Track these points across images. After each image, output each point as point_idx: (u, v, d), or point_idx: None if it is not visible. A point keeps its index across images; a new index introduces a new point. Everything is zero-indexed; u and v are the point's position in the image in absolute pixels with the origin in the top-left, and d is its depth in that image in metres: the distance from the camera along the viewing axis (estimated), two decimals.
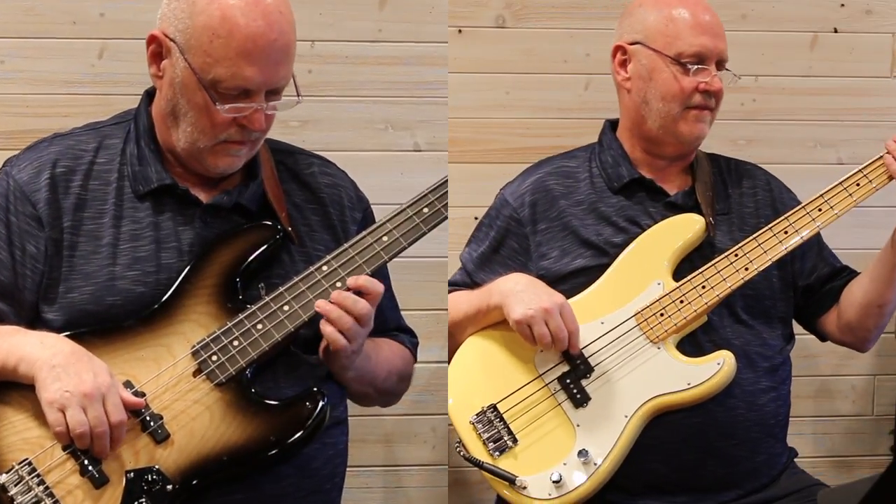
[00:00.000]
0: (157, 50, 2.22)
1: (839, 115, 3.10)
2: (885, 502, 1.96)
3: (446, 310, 2.59)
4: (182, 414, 2.15)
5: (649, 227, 2.54)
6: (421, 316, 2.84)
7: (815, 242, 2.59)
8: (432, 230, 2.30)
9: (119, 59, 2.79)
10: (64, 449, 2.09)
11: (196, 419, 2.15)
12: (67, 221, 2.24)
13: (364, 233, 2.27)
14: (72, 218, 2.24)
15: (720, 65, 2.56)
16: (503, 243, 2.60)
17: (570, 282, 2.52)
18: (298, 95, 2.26)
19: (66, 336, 2.16)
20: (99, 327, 2.19)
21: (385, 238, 2.26)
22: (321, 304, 2.20)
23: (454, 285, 2.65)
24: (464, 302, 2.56)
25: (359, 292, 2.22)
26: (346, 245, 2.26)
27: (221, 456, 2.14)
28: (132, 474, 2.10)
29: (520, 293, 2.45)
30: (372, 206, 2.44)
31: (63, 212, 2.24)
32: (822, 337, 2.69)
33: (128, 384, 2.15)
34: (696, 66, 2.51)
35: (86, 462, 2.09)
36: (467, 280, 2.63)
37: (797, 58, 3.10)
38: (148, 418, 2.14)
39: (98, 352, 2.14)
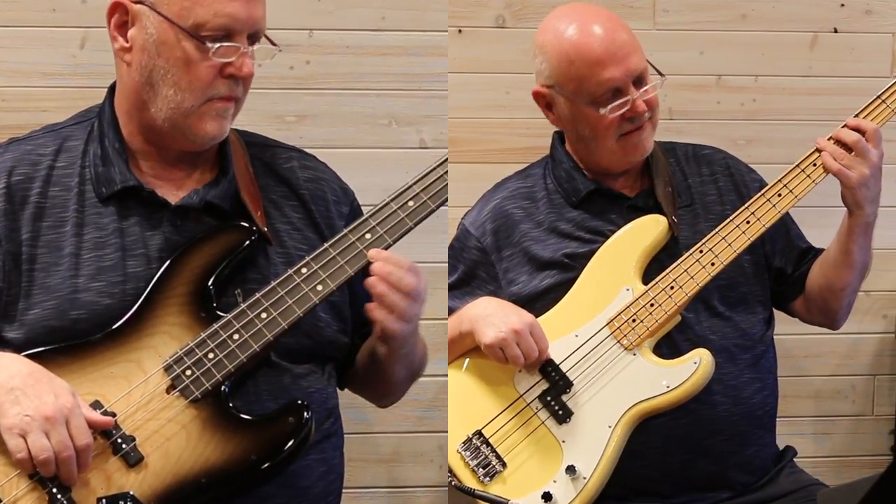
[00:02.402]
0: (122, 19, 2.09)
1: (839, 115, 3.03)
2: (885, 502, 1.95)
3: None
4: (156, 434, 2.01)
5: (613, 234, 2.50)
6: (427, 325, 2.79)
7: (783, 224, 2.54)
8: (419, 224, 2.15)
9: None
10: (30, 477, 1.95)
11: (171, 439, 2.01)
12: (26, 233, 2.10)
13: (345, 230, 2.12)
14: (30, 229, 2.10)
15: (640, 80, 2.46)
16: (473, 275, 2.56)
17: (543, 299, 2.49)
18: (275, 45, 2.14)
19: (29, 355, 2.02)
20: (64, 344, 2.05)
21: (368, 235, 2.11)
22: (370, 282, 2.07)
23: None
24: None
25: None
26: (325, 245, 2.11)
27: (199, 478, 2.00)
28: (104, 502, 1.97)
29: (489, 317, 2.41)
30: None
31: (21, 223, 2.10)
32: (794, 316, 2.64)
33: (96, 404, 2.01)
34: (612, 104, 2.43)
35: (54, 490, 1.95)
36: None
37: (797, 58, 3.04)
38: (119, 440, 2.00)
39: (64, 370, 2.00)
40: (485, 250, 2.56)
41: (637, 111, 2.46)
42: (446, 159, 2.17)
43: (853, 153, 2.40)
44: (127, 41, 2.09)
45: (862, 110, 2.46)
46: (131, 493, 1.99)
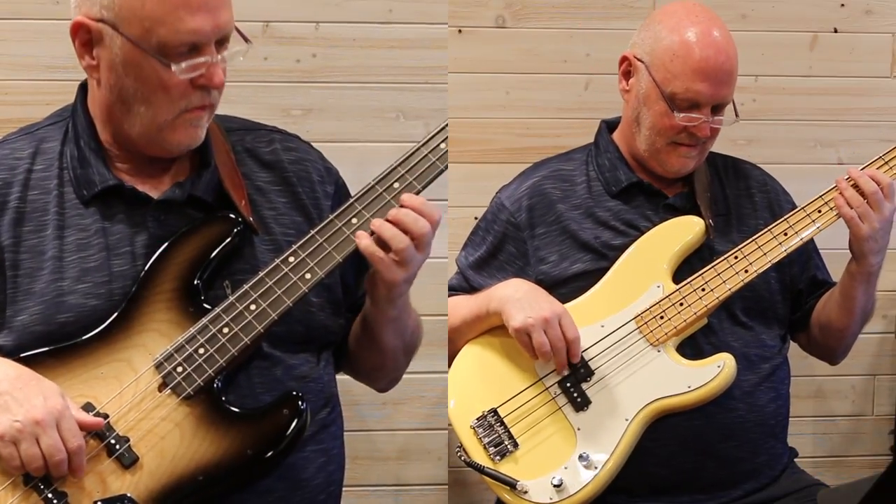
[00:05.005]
0: (86, 38, 2.01)
1: (839, 115, 3.06)
2: (885, 502, 1.95)
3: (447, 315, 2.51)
4: (150, 434, 1.96)
5: (648, 230, 2.48)
6: (429, 322, 2.78)
7: (807, 250, 2.53)
8: None
9: None
10: (25, 484, 1.91)
11: (165, 438, 1.96)
12: (7, 239, 2.04)
13: (331, 216, 2.05)
14: (12, 235, 2.04)
15: (718, 108, 2.47)
16: (501, 248, 2.54)
17: (570, 286, 2.47)
18: (248, 40, 2.05)
19: (17, 359, 1.97)
20: (52, 347, 1.99)
21: (354, 220, 2.04)
22: (376, 224, 2.01)
23: (451, 290, 2.57)
24: (462, 307, 2.49)
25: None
26: (312, 232, 2.04)
27: (196, 476, 1.95)
28: None
29: (519, 300, 2.40)
30: None
31: (1, 230, 2.04)
32: (797, 344, 2.65)
33: (88, 406, 1.95)
34: (684, 114, 2.43)
35: (50, 496, 1.90)
36: (464, 285, 2.56)
37: (797, 58, 3.03)
38: (113, 441, 1.94)
39: (53, 374, 1.95)
40: (518, 225, 2.55)
41: (701, 133, 2.46)
42: (431, 139, 2.10)
43: (867, 202, 2.39)
44: (94, 59, 2.03)
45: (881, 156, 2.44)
46: (128, 494, 1.94)
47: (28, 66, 2.68)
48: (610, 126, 2.62)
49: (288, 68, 2.75)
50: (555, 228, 2.52)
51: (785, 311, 2.56)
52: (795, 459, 2.59)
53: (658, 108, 2.47)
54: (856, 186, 2.41)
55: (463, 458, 2.43)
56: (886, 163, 2.43)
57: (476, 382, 2.48)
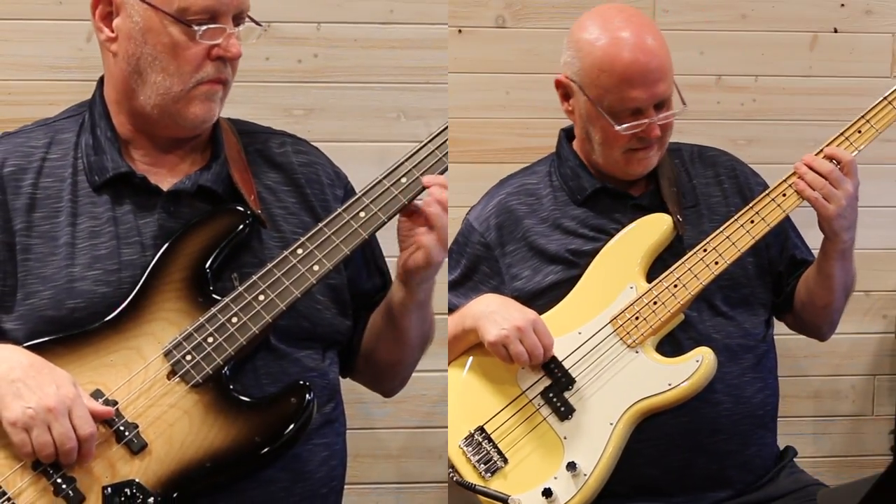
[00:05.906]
0: (107, 10, 2.08)
1: (839, 115, 3.04)
2: (885, 502, 1.96)
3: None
4: (158, 420, 1.99)
5: (618, 232, 2.49)
6: None
7: (783, 229, 2.53)
8: (413, 201, 2.13)
9: None
10: (34, 468, 1.94)
11: (174, 425, 2.00)
12: (20, 223, 2.09)
13: (339, 210, 2.10)
14: (24, 219, 2.09)
15: (662, 105, 2.44)
16: (475, 269, 2.54)
17: (546, 297, 2.47)
18: (259, 24, 2.13)
19: (28, 346, 2.00)
20: (62, 335, 2.03)
21: (362, 214, 2.09)
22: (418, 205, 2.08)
23: None
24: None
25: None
26: (320, 225, 2.09)
27: (204, 462, 1.99)
28: (109, 490, 1.95)
29: (492, 313, 2.40)
30: None
31: (14, 213, 2.09)
32: (785, 324, 2.65)
33: (97, 393, 1.99)
34: (627, 123, 2.41)
35: (59, 481, 1.94)
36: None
37: (797, 58, 3.03)
38: (122, 428, 1.98)
39: (63, 361, 1.99)
40: (488, 245, 2.55)
41: (650, 135, 2.44)
42: (438, 135, 2.14)
43: (828, 182, 2.39)
44: (112, 31, 2.08)
45: (869, 111, 2.45)
46: (136, 480, 1.97)
47: (30, 66, 2.69)
48: (569, 134, 2.62)
49: (289, 68, 2.76)
50: (523, 245, 2.53)
51: (766, 296, 2.56)
52: (795, 459, 2.59)
53: (601, 123, 2.46)
54: (814, 169, 2.40)
55: (455, 478, 2.43)
56: (847, 138, 2.44)
57: (460, 403, 2.48)
